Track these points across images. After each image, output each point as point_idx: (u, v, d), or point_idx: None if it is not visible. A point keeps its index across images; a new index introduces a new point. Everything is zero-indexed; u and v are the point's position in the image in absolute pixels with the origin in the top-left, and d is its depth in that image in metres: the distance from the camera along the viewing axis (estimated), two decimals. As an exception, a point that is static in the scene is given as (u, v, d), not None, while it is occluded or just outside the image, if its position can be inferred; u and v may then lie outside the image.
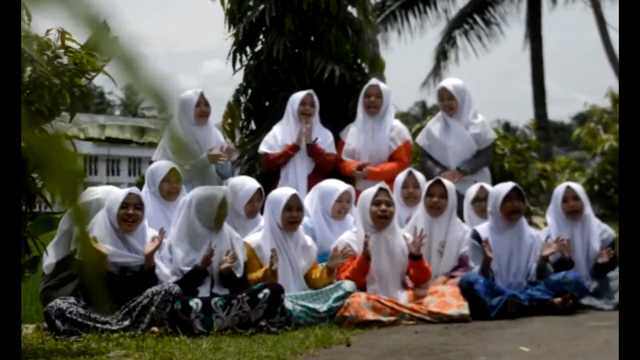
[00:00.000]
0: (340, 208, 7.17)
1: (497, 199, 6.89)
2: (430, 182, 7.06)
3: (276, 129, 8.24)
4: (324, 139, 8.18)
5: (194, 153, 7.68)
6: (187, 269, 6.16)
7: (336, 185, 7.30)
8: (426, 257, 6.73)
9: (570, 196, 7.24)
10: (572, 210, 7.19)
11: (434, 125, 8.47)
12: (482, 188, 7.48)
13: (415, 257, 6.54)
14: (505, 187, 6.94)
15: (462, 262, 6.99)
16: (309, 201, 7.31)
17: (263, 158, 8.24)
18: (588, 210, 7.28)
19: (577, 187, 7.38)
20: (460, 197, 7.96)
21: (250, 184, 7.17)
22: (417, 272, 6.58)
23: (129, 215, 6.09)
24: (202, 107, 7.90)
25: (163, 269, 6.12)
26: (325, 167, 8.11)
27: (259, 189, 7.10)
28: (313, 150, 8.05)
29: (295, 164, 8.07)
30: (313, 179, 7.90)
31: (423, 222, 6.95)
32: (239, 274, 6.24)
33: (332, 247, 6.66)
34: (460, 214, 7.55)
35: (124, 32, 1.45)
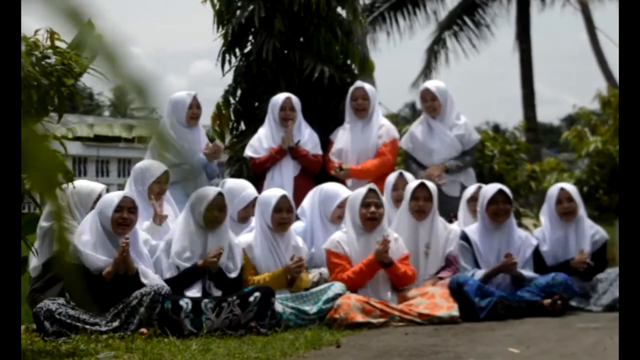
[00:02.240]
0: (341, 213, 7.04)
1: (484, 200, 6.90)
2: (414, 185, 7.04)
3: (260, 133, 8.23)
4: (309, 139, 8.16)
5: (183, 150, 7.64)
6: (182, 264, 6.15)
7: (338, 190, 7.22)
8: (412, 260, 6.73)
9: (564, 198, 7.24)
10: (565, 211, 7.20)
11: (417, 128, 8.48)
12: (479, 188, 7.41)
13: (385, 265, 6.50)
14: (492, 189, 6.95)
15: (449, 262, 6.99)
16: (308, 202, 7.27)
17: (249, 162, 8.22)
18: (582, 211, 7.28)
19: (571, 189, 7.38)
20: (449, 199, 7.97)
21: (249, 190, 7.12)
22: (393, 278, 6.55)
23: (123, 219, 6.04)
24: (194, 110, 7.90)
25: (150, 274, 6.06)
26: (311, 168, 8.10)
27: (256, 197, 7.01)
28: (295, 152, 8.04)
29: (280, 167, 8.05)
30: (300, 181, 7.90)
31: (407, 225, 6.92)
32: (232, 275, 6.22)
33: (323, 247, 6.66)
34: (446, 215, 7.57)
35: (109, 29, 1.44)
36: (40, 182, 1.56)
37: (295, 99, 8.14)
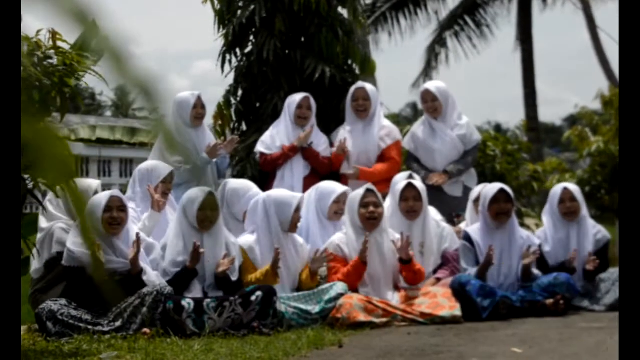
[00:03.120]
0: (337, 209, 7.10)
1: (486, 200, 6.90)
2: (402, 186, 7.03)
3: (273, 130, 8.22)
4: (320, 142, 8.17)
5: (188, 151, 7.64)
6: (176, 269, 6.14)
7: (334, 187, 7.25)
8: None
9: (567, 197, 7.23)
10: (568, 211, 7.20)
11: (418, 128, 8.47)
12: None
13: (405, 262, 6.53)
14: (493, 188, 6.94)
15: (446, 260, 6.98)
16: (305, 201, 7.26)
17: (260, 158, 8.19)
18: (584, 211, 7.28)
19: (574, 189, 7.37)
20: (451, 199, 7.97)
21: (254, 190, 7.10)
22: (409, 275, 6.56)
23: (113, 219, 6.03)
24: (199, 110, 7.85)
25: (150, 274, 6.06)
26: (321, 169, 8.10)
27: None
28: (308, 153, 8.03)
29: (291, 166, 8.04)
30: (309, 181, 7.88)
31: (400, 226, 6.89)
32: (234, 278, 6.22)
33: (322, 248, 6.65)
34: (448, 215, 7.57)
35: (113, 29, 1.44)
36: (55, 173, 1.54)
37: (312, 99, 8.14)
